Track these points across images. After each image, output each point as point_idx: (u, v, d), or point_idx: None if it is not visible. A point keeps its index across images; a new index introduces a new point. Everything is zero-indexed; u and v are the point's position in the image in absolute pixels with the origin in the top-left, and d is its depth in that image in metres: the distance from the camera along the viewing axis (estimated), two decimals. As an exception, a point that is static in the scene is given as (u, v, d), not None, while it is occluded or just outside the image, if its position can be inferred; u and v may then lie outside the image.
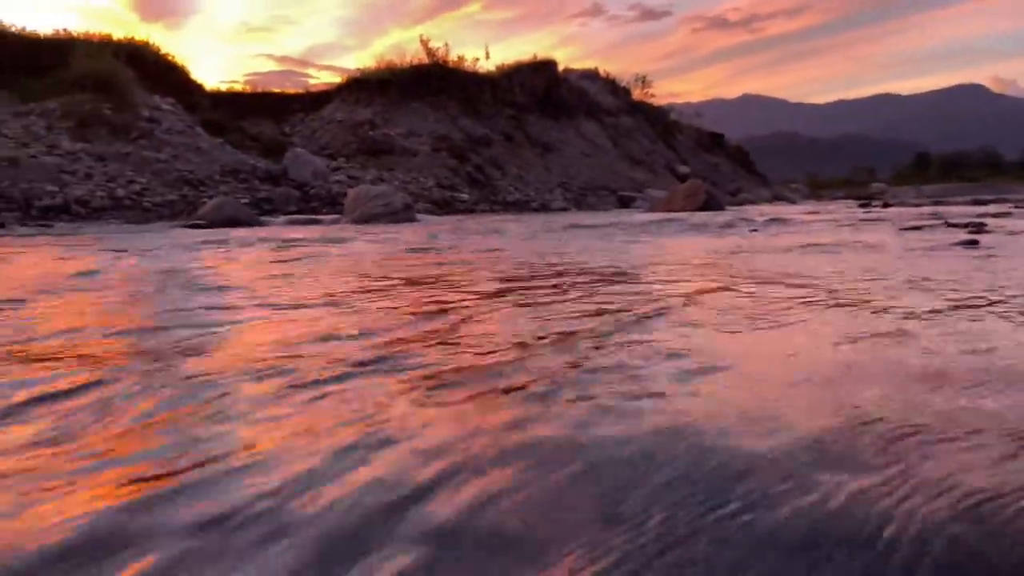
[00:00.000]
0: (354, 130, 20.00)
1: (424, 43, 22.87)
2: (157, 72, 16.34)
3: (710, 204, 14.51)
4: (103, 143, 12.97)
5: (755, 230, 6.99)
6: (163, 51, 17.65)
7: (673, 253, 4.55)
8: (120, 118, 13.61)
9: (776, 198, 31.66)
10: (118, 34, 17.59)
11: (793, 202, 28.12)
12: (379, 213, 10.56)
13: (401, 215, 10.67)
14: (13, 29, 15.23)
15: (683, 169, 31.37)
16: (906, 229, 6.33)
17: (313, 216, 11.75)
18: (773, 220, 8.88)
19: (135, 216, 11.18)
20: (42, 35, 15.63)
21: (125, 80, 14.32)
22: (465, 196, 18.54)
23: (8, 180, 10.72)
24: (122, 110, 13.77)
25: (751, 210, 15.12)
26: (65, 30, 16.20)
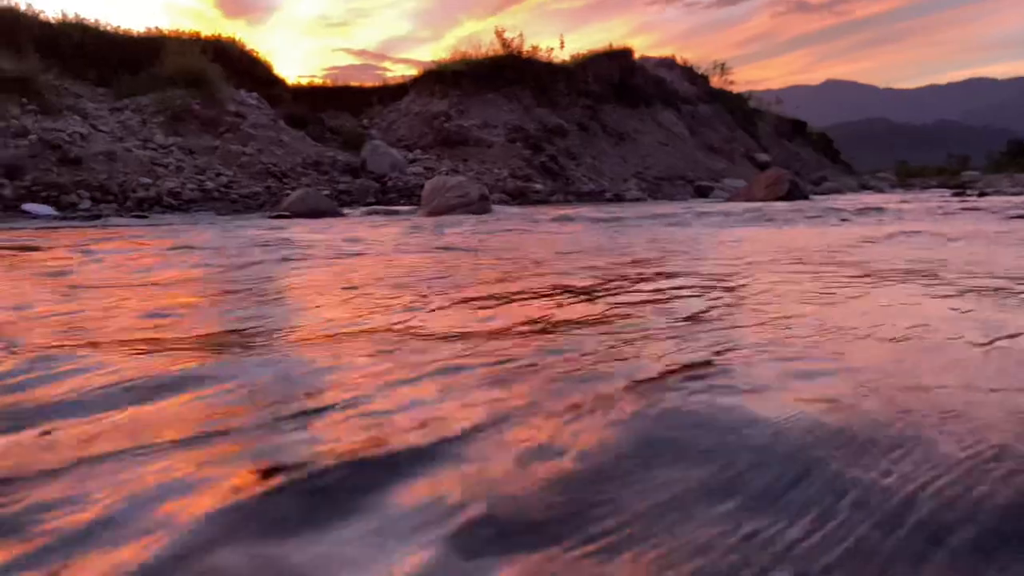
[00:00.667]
0: (429, 122, 20.19)
1: (499, 34, 22.89)
2: (242, 68, 16.86)
3: (793, 193, 14.05)
4: (193, 137, 13.47)
5: (845, 219, 6.71)
6: (248, 47, 18.23)
7: (787, 248, 4.34)
8: (208, 113, 14.11)
9: (863, 187, 30.45)
10: (205, 31, 18.25)
11: (881, 191, 26.97)
12: (455, 204, 10.61)
13: (476, 206, 10.69)
14: (109, 28, 15.97)
15: (763, 157, 30.53)
16: (1014, 218, 5.95)
17: (391, 207, 11.91)
18: (866, 209, 8.50)
19: (223, 207, 11.57)
20: (136, 33, 16.34)
21: (213, 76, 14.82)
22: (539, 187, 18.48)
23: (106, 173, 11.25)
24: (210, 105, 14.27)
25: (838, 199, 14.56)
26: (157, 28, 16.91)
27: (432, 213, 10.39)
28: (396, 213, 10.79)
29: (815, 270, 2.69)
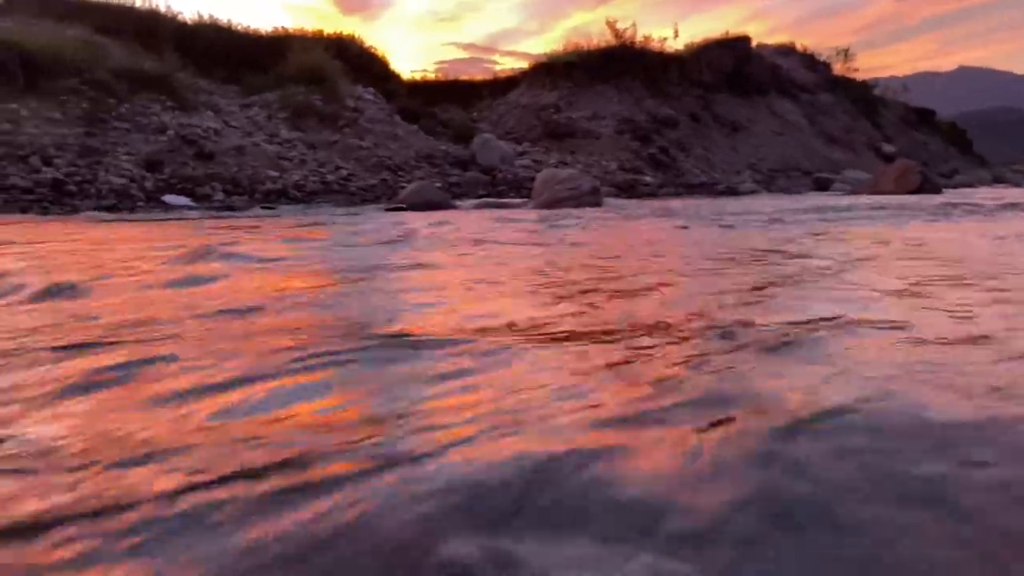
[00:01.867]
0: (538, 114, 20.23)
1: (611, 24, 22.64)
2: (360, 64, 17.42)
3: (925, 187, 13.26)
4: (314, 132, 14.04)
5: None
6: (366, 44, 18.83)
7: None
8: (329, 108, 14.66)
9: (997, 180, 28.35)
10: (326, 28, 18.93)
11: (1018, 185, 25.01)
12: (566, 197, 10.59)
13: (588, 199, 10.64)
14: (239, 28, 16.86)
15: (888, 149, 28.93)
16: None
17: (501, 200, 12.02)
18: (1011, 205, 7.90)
19: (343, 200, 12.01)
20: (263, 33, 17.18)
21: (334, 73, 15.38)
22: (649, 179, 18.20)
23: (236, 166, 11.89)
24: (331, 101, 14.82)
25: (972, 193, 13.61)
26: (283, 28, 17.70)
27: (543, 205, 10.41)
28: (508, 205, 10.88)
29: None
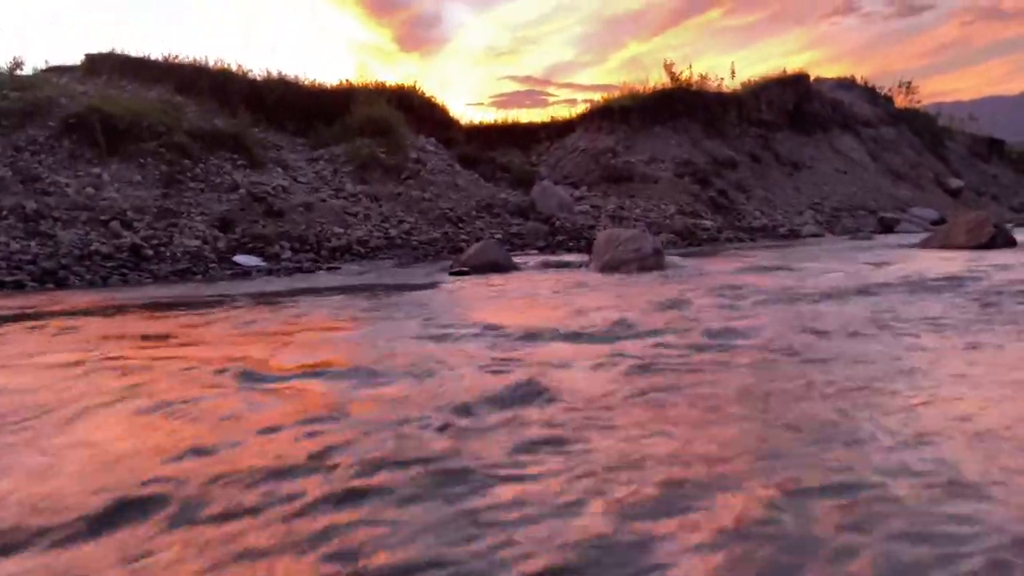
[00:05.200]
0: (596, 158, 20.28)
1: (668, 67, 22.64)
2: (421, 113, 17.77)
3: (997, 240, 12.84)
4: (378, 184, 14.34)
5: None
6: (426, 94, 19.22)
7: None
8: (392, 160, 14.96)
9: (1075, 215, 27.23)
10: (385, 69, 19.37)
11: (1099, 221, 23.94)
12: (628, 259, 10.54)
13: (651, 261, 10.58)
14: (306, 83, 17.36)
15: (955, 183, 28.16)
16: None
17: (563, 259, 12.03)
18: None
19: (404, 255, 12.21)
20: (329, 86, 17.65)
21: (397, 124, 15.71)
22: (708, 223, 18.05)
23: (304, 224, 12.22)
24: (394, 152, 15.13)
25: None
26: (347, 81, 18.15)
27: (605, 267, 10.39)
28: (569, 265, 10.88)
29: None
